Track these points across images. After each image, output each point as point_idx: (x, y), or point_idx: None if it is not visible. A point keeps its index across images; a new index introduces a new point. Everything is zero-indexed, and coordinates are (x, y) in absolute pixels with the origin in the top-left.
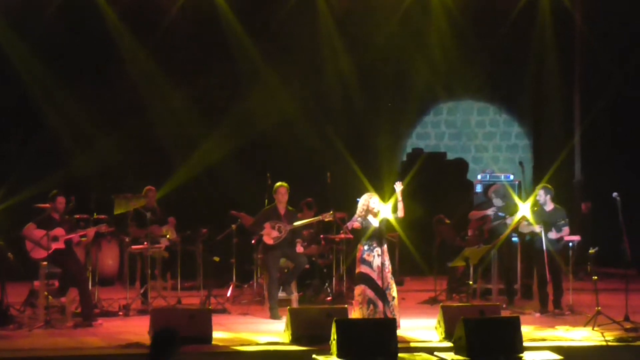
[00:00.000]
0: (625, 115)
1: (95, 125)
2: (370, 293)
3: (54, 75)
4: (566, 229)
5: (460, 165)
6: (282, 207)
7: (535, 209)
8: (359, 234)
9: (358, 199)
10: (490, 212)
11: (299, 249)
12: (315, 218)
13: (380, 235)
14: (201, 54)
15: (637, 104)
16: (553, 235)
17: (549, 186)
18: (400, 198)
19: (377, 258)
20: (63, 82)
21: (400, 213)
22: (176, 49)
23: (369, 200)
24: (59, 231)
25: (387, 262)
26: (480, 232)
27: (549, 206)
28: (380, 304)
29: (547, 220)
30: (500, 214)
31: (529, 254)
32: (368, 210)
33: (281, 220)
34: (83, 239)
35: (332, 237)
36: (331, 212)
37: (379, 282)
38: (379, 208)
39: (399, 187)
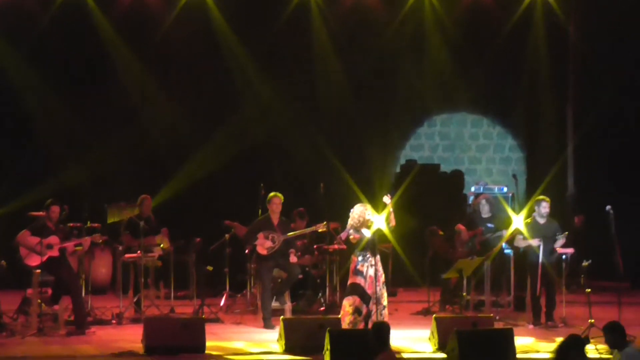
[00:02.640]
0: (619, 129)
1: (89, 133)
2: (359, 302)
3: (48, 83)
4: (562, 241)
5: (455, 178)
6: (275, 217)
7: (528, 221)
8: (352, 245)
9: (351, 210)
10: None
11: (293, 259)
12: (309, 229)
13: (374, 246)
14: (195, 64)
15: (630, 117)
16: (557, 243)
17: (547, 199)
18: (391, 209)
19: (370, 269)
20: (57, 91)
21: (392, 222)
22: (170, 59)
23: (365, 211)
24: (53, 239)
25: (381, 272)
26: (472, 244)
27: (544, 220)
28: (364, 309)
29: (545, 234)
30: (489, 225)
31: (523, 266)
32: (364, 222)
33: (274, 231)
34: (78, 248)
35: (325, 248)
36: (325, 222)
37: (370, 292)
38: (373, 219)
39: (388, 200)
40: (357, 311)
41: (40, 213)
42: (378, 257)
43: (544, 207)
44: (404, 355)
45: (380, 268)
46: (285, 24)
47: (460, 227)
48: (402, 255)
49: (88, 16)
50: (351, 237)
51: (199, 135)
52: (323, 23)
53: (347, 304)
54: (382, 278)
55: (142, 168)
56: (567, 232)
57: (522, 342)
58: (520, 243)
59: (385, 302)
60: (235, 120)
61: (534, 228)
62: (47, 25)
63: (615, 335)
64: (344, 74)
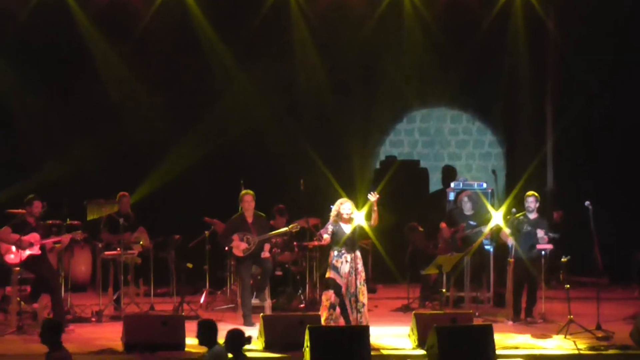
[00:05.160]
0: (597, 124)
1: (68, 130)
2: (334, 299)
3: (26, 79)
4: (546, 237)
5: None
6: (249, 215)
7: (508, 217)
8: (331, 240)
9: (332, 206)
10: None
11: (265, 254)
12: (282, 230)
13: (352, 242)
14: (174, 59)
15: (608, 113)
16: (542, 236)
17: (534, 194)
18: (375, 208)
19: (345, 264)
20: (35, 87)
21: (374, 222)
22: (149, 54)
23: (340, 205)
24: (33, 237)
25: (360, 268)
26: (454, 240)
27: (535, 214)
28: (338, 309)
29: (531, 229)
30: (471, 222)
31: (503, 262)
32: (338, 216)
33: (249, 231)
34: (57, 245)
35: (305, 244)
36: (296, 224)
37: (344, 289)
38: (352, 214)
39: (373, 197)
40: (332, 307)
41: (20, 210)
42: (358, 253)
43: (530, 202)
44: (384, 352)
45: (360, 265)
46: (264, 20)
47: (443, 225)
48: (382, 251)
49: (66, 12)
50: (323, 240)
51: (179, 131)
52: (302, 18)
53: (325, 299)
54: (362, 275)
55: (122, 164)
56: (556, 236)
57: (501, 338)
58: (507, 239)
59: (364, 299)
60: (215, 116)
61: (523, 223)
62: (25, 21)
63: (206, 333)
64: (323, 70)
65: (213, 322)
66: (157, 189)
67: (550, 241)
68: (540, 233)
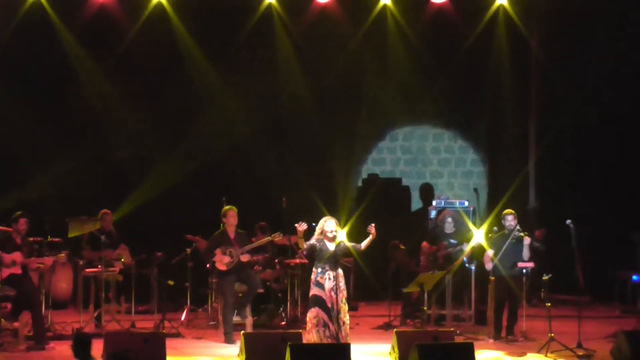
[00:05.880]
0: (580, 142)
1: (50, 146)
2: (323, 315)
3: (9, 94)
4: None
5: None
6: (231, 231)
7: (490, 235)
8: (313, 257)
9: (314, 224)
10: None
11: (245, 257)
12: (265, 239)
13: (335, 260)
14: (158, 76)
15: (591, 131)
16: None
17: (512, 211)
18: (372, 237)
19: (328, 282)
20: (18, 103)
21: (363, 246)
22: (133, 71)
23: (323, 223)
24: (16, 256)
25: (343, 286)
26: (435, 259)
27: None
28: (332, 326)
29: (511, 247)
30: (452, 241)
31: (484, 280)
32: (322, 234)
33: (232, 245)
34: (41, 265)
35: (287, 262)
36: (279, 232)
37: (329, 305)
38: (335, 232)
39: (372, 230)
40: (324, 325)
41: (5, 228)
42: (340, 271)
43: (509, 221)
44: None
45: (342, 283)
46: (248, 36)
47: (425, 244)
48: (365, 269)
49: (50, 28)
50: (302, 248)
51: (162, 148)
52: (286, 35)
53: (310, 317)
54: (344, 293)
55: (104, 181)
56: (541, 246)
57: (483, 356)
58: (488, 263)
59: (346, 317)
60: (198, 133)
61: (501, 241)
62: (10, 37)
63: (79, 347)
64: (307, 87)
65: (87, 335)
66: (140, 206)
67: (535, 253)
68: (527, 241)
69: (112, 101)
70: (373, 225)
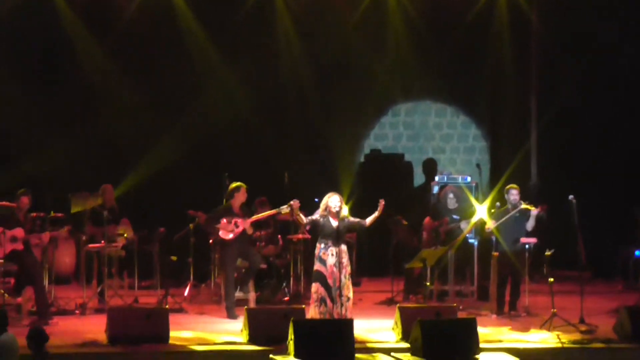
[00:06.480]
0: (581, 118)
1: (51, 122)
2: (322, 291)
3: (7, 71)
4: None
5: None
6: (237, 205)
7: (493, 210)
8: (316, 232)
9: (316, 199)
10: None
11: (249, 228)
12: (272, 211)
13: (338, 236)
14: (157, 52)
15: (592, 107)
16: (529, 224)
17: (516, 186)
18: (378, 214)
19: (331, 257)
20: (17, 79)
21: (368, 222)
22: (132, 47)
23: (327, 199)
24: (18, 232)
25: (346, 262)
26: (437, 234)
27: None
28: (329, 303)
29: (514, 222)
30: (454, 216)
31: (487, 256)
32: (326, 209)
33: (237, 216)
34: (38, 241)
35: (289, 237)
36: (289, 204)
37: (330, 281)
38: (339, 208)
39: (381, 206)
40: (321, 300)
41: (9, 203)
42: (344, 247)
43: (513, 195)
44: (368, 345)
45: (345, 259)
46: (248, 13)
47: (427, 220)
48: (366, 244)
49: (48, 5)
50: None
51: (162, 124)
52: (286, 11)
53: (313, 291)
54: (348, 269)
55: (105, 157)
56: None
57: (485, 331)
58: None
59: (350, 293)
60: (198, 108)
61: (504, 216)
62: (6, 15)
63: (33, 343)
64: (308, 62)
65: (43, 332)
66: (142, 181)
67: (540, 224)
68: (535, 211)
69: (111, 77)
70: (382, 201)
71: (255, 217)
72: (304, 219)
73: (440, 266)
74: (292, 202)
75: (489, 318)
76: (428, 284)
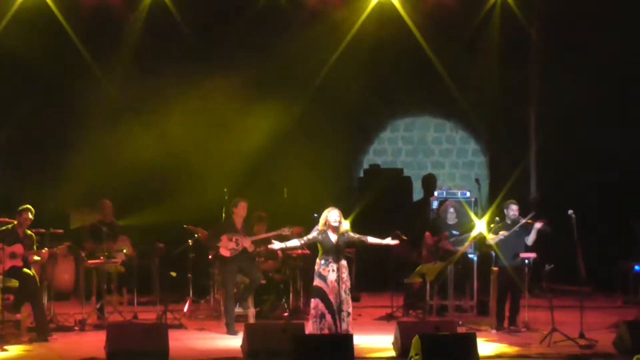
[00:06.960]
0: (581, 132)
1: (51, 138)
2: (322, 307)
3: (8, 82)
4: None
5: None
6: (239, 222)
7: (492, 225)
8: (316, 248)
9: (315, 215)
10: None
11: (250, 246)
12: (273, 233)
13: (338, 251)
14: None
15: (592, 120)
16: (530, 238)
17: (515, 201)
18: (390, 244)
19: (332, 273)
20: (17, 90)
21: (370, 242)
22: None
23: (327, 214)
24: (17, 248)
25: (345, 278)
26: (437, 249)
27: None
28: (329, 317)
29: (514, 237)
30: (454, 232)
31: (486, 271)
32: (326, 224)
33: (238, 233)
34: (37, 259)
35: (289, 253)
36: (288, 226)
37: (332, 297)
38: (338, 223)
39: (400, 237)
40: (321, 316)
41: (8, 219)
42: (344, 262)
43: (513, 210)
44: None
45: (345, 274)
46: (256, 19)
47: (428, 235)
48: (366, 259)
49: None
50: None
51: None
52: (285, 22)
53: (312, 306)
54: (347, 284)
55: (108, 174)
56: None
57: (485, 346)
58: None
59: (350, 309)
60: (199, 124)
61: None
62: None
63: None
64: (306, 77)
65: None
66: (141, 197)
67: (541, 238)
68: (538, 225)
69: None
70: (404, 237)
71: (256, 237)
72: (300, 241)
73: (439, 281)
74: (293, 228)
75: (488, 333)
76: (428, 299)
